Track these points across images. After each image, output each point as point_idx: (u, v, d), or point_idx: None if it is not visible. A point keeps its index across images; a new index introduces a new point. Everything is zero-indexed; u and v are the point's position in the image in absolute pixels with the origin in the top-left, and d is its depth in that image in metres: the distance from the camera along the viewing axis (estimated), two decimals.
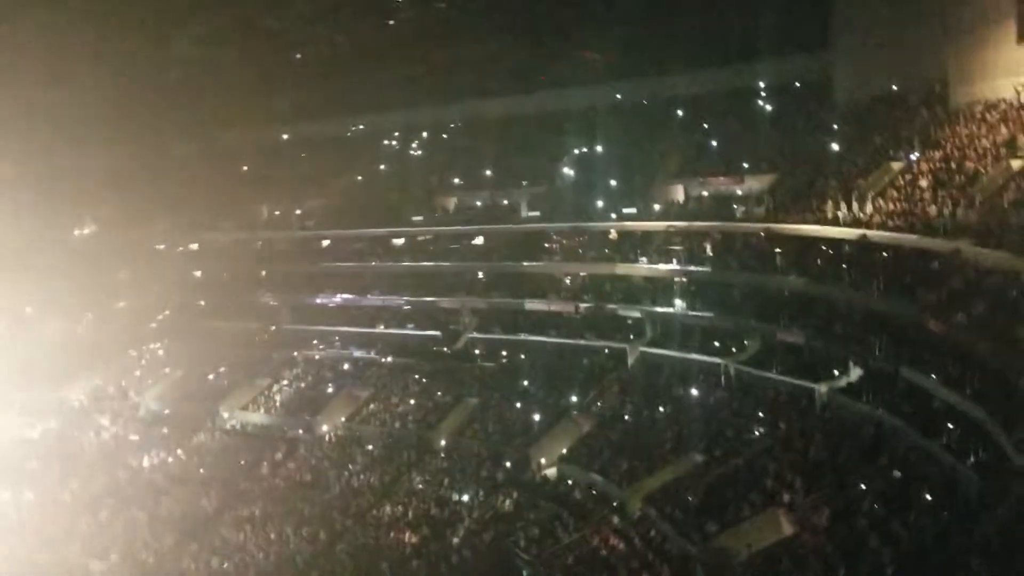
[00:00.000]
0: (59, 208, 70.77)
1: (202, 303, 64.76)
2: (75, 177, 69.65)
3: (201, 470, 49.86)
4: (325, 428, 49.83)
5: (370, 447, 46.63)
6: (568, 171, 52.50)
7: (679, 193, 47.61)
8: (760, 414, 35.10)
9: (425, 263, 55.84)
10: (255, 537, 41.78)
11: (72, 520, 47.83)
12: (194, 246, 69.00)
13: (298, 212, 64.30)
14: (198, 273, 66.83)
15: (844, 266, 36.06)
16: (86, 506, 48.86)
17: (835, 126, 43.35)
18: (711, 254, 43.62)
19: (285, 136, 68.17)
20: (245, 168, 69.24)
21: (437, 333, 52.85)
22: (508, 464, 40.56)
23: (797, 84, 48.50)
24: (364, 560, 37.66)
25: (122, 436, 56.44)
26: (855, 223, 35.95)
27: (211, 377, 58.76)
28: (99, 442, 56.74)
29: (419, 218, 57.82)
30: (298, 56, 67.88)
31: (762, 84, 48.50)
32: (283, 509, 43.33)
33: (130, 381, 61.30)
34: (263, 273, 63.02)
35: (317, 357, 56.98)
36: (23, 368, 60.98)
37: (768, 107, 48.22)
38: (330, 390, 53.19)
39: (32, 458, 55.54)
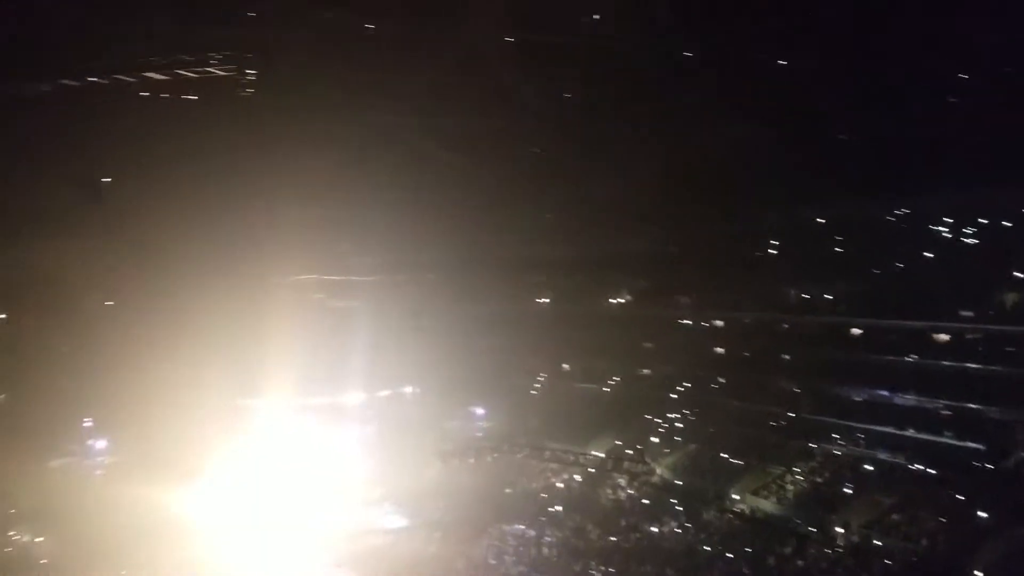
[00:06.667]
0: (602, 281, 77.35)
1: (722, 380, 65.22)
2: (618, 255, 75.43)
3: (705, 547, 49.55)
4: (839, 530, 46.29)
5: (888, 562, 42.15)
6: None
7: None
8: None
9: (972, 364, 49.62)
10: None
11: (583, 565, 50.43)
12: (719, 323, 70.01)
13: (829, 297, 61.76)
14: (720, 350, 67.52)
15: None
16: (599, 554, 51.08)
17: None
18: None
19: (820, 220, 66.07)
20: (774, 250, 68.56)
21: (980, 446, 46.45)
22: None
23: None
24: None
25: (636, 498, 58.77)
26: None
27: (724, 455, 58.68)
28: (615, 499, 59.77)
29: (968, 313, 51.56)
30: (843, 137, 65.64)
31: None
32: None
33: (647, 446, 63.77)
34: (786, 356, 61.41)
35: (836, 452, 53.68)
36: (555, 421, 67.28)
37: None
38: (847, 490, 49.69)
39: (556, 504, 60.49)
